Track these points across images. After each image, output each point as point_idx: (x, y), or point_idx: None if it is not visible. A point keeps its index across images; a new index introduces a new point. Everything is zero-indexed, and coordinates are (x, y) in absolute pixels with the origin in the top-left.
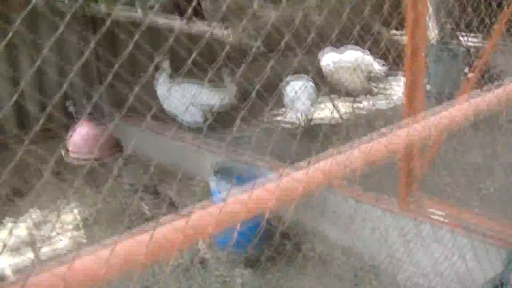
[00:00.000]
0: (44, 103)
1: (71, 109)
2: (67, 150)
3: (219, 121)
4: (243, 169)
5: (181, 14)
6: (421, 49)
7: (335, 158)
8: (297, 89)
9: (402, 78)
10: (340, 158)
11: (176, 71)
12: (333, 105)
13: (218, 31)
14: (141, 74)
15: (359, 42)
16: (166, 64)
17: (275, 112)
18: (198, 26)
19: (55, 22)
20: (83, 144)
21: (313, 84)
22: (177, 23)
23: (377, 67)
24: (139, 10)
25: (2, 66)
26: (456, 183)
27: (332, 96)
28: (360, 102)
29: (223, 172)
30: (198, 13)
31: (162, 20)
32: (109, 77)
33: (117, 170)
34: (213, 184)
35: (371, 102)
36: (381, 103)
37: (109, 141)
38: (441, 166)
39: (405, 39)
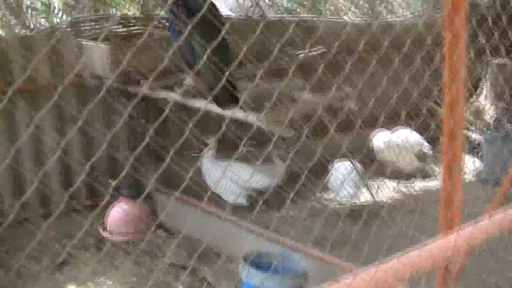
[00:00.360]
0: (90, 175)
1: (114, 183)
2: (105, 227)
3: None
4: (275, 257)
5: (216, 99)
6: (458, 160)
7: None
8: (343, 172)
9: None
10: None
11: (222, 148)
12: (368, 190)
13: (252, 118)
14: (189, 151)
15: (410, 121)
16: (212, 141)
17: (320, 194)
18: (233, 112)
19: (103, 97)
20: (121, 223)
21: (359, 166)
22: (214, 108)
23: (428, 147)
24: (178, 91)
25: (51, 138)
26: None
27: (381, 178)
28: (410, 182)
29: (254, 260)
30: (233, 98)
31: (198, 103)
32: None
33: (156, 247)
34: (243, 274)
35: (420, 183)
36: (430, 184)
37: (148, 218)
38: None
39: None
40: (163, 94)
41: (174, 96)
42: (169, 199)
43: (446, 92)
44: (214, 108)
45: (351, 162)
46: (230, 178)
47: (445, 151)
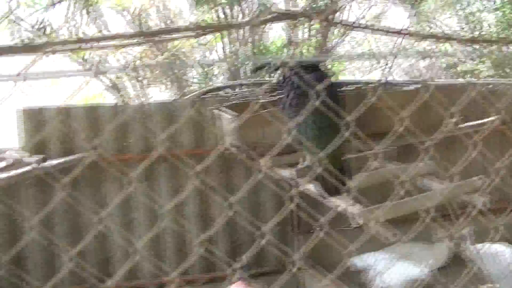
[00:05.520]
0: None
1: (243, 261)
2: None
3: None
4: None
5: (324, 186)
6: None
7: None
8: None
9: None
10: None
11: None
12: None
13: (351, 212)
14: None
15: None
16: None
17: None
18: (332, 202)
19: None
20: None
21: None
22: (318, 194)
23: None
24: (290, 172)
25: (194, 208)
26: None
27: None
28: None
29: None
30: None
31: (310, 187)
32: None
33: None
34: None
35: None
36: None
37: None
38: None
39: None
40: (279, 172)
41: (289, 176)
42: (315, 276)
43: None
44: (318, 195)
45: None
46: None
47: None
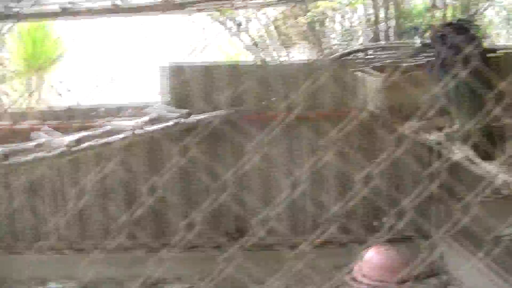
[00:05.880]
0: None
1: (376, 223)
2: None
3: None
4: None
5: (474, 152)
6: None
7: None
8: None
9: None
10: None
11: None
12: None
13: (503, 178)
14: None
15: None
16: None
17: None
18: (482, 167)
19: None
20: (370, 271)
21: None
22: (464, 158)
23: None
24: (435, 136)
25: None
26: None
27: None
28: None
29: None
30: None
31: (457, 151)
32: None
33: None
34: None
35: None
36: None
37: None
38: None
39: None
40: (422, 137)
41: (433, 140)
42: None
43: None
44: (467, 160)
45: None
46: None
47: None
